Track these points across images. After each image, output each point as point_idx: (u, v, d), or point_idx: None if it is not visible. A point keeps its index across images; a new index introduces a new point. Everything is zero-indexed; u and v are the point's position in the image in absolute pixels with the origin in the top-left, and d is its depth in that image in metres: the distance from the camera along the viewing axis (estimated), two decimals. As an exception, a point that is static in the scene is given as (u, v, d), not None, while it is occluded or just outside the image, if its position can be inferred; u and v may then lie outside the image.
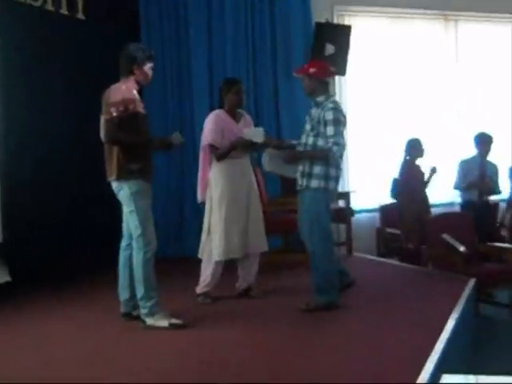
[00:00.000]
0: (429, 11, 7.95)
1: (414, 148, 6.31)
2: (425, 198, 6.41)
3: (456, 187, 6.79)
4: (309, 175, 4.38)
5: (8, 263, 5.16)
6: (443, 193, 7.59)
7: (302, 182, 4.45)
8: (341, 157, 4.41)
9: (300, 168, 4.46)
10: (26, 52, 5.44)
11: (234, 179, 4.74)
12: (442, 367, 3.23)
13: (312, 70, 4.45)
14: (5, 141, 5.20)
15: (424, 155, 6.33)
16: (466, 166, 6.67)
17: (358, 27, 7.49)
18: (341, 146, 4.30)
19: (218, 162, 4.74)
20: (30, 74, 5.45)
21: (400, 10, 7.80)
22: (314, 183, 4.36)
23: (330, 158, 4.31)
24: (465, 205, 6.70)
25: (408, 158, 6.34)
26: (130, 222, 4.14)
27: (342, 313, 4.38)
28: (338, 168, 4.46)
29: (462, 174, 6.66)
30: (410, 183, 6.25)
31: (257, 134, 4.69)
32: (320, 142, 4.36)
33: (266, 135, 4.71)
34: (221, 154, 4.72)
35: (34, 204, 5.41)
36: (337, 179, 4.46)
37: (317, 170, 4.35)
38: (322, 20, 7.17)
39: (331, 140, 4.28)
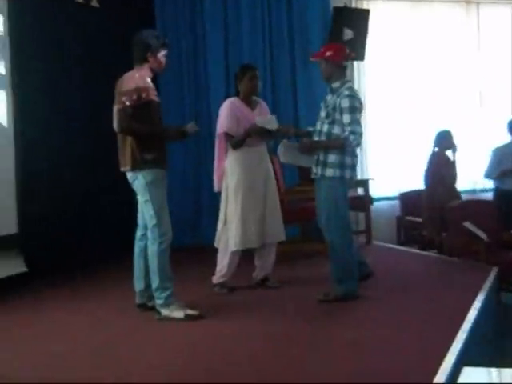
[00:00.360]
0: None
1: (445, 140, 6.16)
2: (455, 190, 6.27)
3: (487, 176, 6.57)
4: (324, 164, 4.29)
5: (24, 254, 5.15)
6: (472, 180, 7.47)
7: (316, 170, 4.36)
8: (358, 145, 4.31)
9: (316, 157, 4.37)
10: (40, 41, 5.40)
11: (251, 167, 4.67)
12: (464, 359, 3.14)
13: (329, 54, 4.34)
14: (20, 132, 5.16)
15: (453, 147, 6.18)
16: (499, 153, 6.45)
17: (376, 11, 7.36)
18: (358, 134, 4.19)
19: (233, 150, 4.67)
20: (43, 63, 5.40)
21: (420, -7, 7.65)
22: (329, 172, 4.27)
23: (345, 147, 4.22)
24: (499, 193, 6.50)
25: (437, 149, 6.20)
26: (145, 211, 4.09)
27: (360, 303, 4.29)
28: (354, 156, 4.36)
29: (496, 162, 6.43)
30: (441, 175, 6.11)
31: (270, 121, 4.61)
32: (335, 130, 4.27)
33: (278, 123, 4.63)
34: (236, 141, 4.65)
35: (49, 195, 5.39)
36: (353, 167, 4.36)
37: (332, 158, 4.26)
38: (340, 4, 7.05)
39: (348, 128, 4.18)
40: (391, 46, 7.57)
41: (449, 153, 6.18)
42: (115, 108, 4.05)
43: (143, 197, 4.08)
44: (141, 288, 4.24)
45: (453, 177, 6.24)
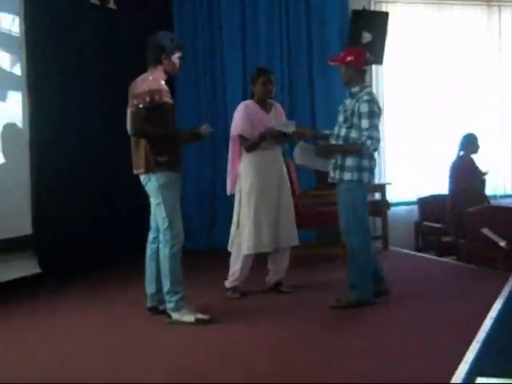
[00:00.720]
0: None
1: (470, 143, 6.07)
2: (482, 195, 6.16)
3: None
4: (341, 167, 4.25)
5: (38, 255, 5.16)
6: (492, 186, 7.36)
7: (334, 174, 4.32)
8: (375, 150, 4.28)
9: (332, 160, 4.33)
10: (56, 42, 5.41)
11: (264, 171, 4.63)
12: (477, 368, 3.06)
13: (349, 59, 4.31)
14: (36, 133, 5.17)
15: (478, 151, 6.07)
16: None
17: (395, 14, 7.27)
18: (375, 139, 4.17)
19: (247, 153, 4.63)
20: (59, 64, 5.41)
21: (440, -4, 7.54)
22: (347, 175, 4.24)
23: (362, 152, 4.19)
24: None
25: (462, 153, 6.10)
26: (158, 214, 4.07)
27: (375, 309, 4.23)
28: (372, 159, 4.32)
29: None
30: (465, 180, 6.01)
31: (287, 125, 4.59)
32: (353, 134, 4.23)
33: (297, 126, 4.60)
34: (250, 144, 4.61)
35: (64, 196, 5.39)
36: (371, 170, 4.31)
37: (349, 161, 4.22)
38: (359, 7, 6.98)
39: (365, 133, 4.15)
40: (410, 49, 7.47)
41: (474, 156, 6.09)
42: (128, 110, 4.04)
43: (156, 199, 4.06)
44: (152, 291, 4.21)
45: (479, 181, 6.14)
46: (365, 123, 4.16)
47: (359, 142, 4.17)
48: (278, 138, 4.63)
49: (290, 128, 4.55)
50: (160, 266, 4.08)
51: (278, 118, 4.73)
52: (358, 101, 4.22)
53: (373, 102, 4.23)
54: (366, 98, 4.21)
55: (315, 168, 4.73)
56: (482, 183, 6.25)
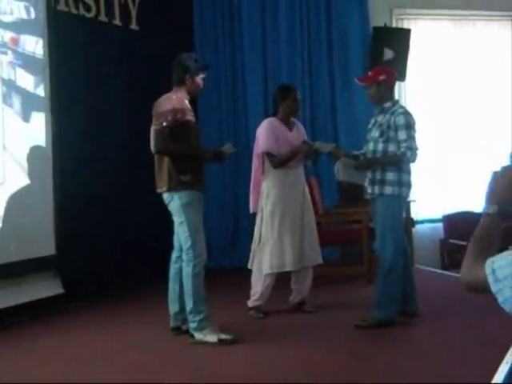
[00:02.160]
0: (494, 13, 7.58)
1: None
2: None
3: None
4: (381, 182, 4.24)
5: (61, 275, 5.17)
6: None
7: (372, 190, 4.29)
8: (414, 161, 4.28)
9: (369, 175, 4.32)
10: (80, 63, 5.46)
11: (287, 190, 4.61)
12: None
13: (382, 78, 4.33)
14: (58, 153, 5.20)
15: None
16: None
17: (417, 31, 7.23)
18: (414, 150, 4.20)
19: (275, 169, 4.61)
20: (82, 85, 5.46)
21: (462, 12, 7.46)
22: (388, 190, 4.22)
23: (403, 164, 4.21)
24: None
25: None
26: (181, 233, 4.06)
27: (400, 329, 4.15)
28: (410, 174, 4.32)
29: None
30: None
31: (326, 145, 4.62)
32: (391, 148, 4.25)
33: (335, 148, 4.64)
34: (280, 161, 4.58)
35: (88, 217, 5.40)
36: (409, 186, 4.31)
37: (390, 176, 4.22)
38: (380, 24, 6.96)
39: (404, 145, 4.18)
40: (433, 65, 7.41)
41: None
42: (152, 129, 4.04)
43: (179, 218, 4.04)
44: (175, 310, 4.18)
45: None
46: (402, 135, 4.18)
47: (399, 154, 4.18)
48: (310, 155, 4.63)
49: (327, 148, 4.56)
50: (183, 285, 4.06)
51: (301, 136, 4.72)
52: (393, 114, 4.25)
53: (408, 114, 4.29)
54: (401, 110, 4.28)
55: (357, 183, 4.68)
56: None
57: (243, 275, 4.98)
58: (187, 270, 4.00)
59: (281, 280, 4.68)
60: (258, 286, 4.61)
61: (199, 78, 4.13)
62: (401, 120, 4.20)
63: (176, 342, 4.07)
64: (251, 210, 4.78)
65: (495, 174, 1.59)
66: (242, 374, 3.46)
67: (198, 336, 3.97)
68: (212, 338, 3.93)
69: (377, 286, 4.30)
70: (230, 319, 4.47)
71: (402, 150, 4.17)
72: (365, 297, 4.81)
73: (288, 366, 3.55)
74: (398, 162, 4.21)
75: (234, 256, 6.65)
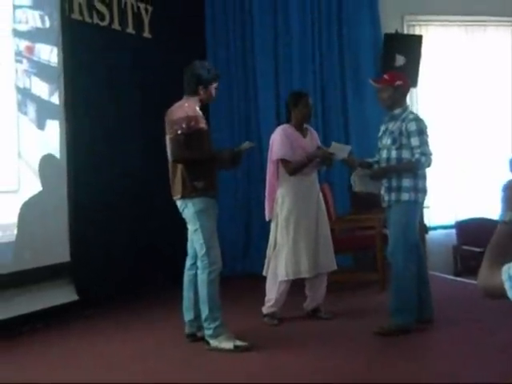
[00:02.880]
0: (505, 18, 7.55)
1: None
2: None
3: None
4: (398, 189, 4.22)
5: (75, 282, 5.18)
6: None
7: (389, 197, 4.27)
8: (429, 166, 4.27)
9: (385, 183, 4.30)
10: (94, 71, 5.49)
11: (302, 197, 4.61)
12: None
13: (399, 83, 4.32)
14: (74, 162, 5.22)
15: None
16: None
17: (429, 37, 7.22)
18: (428, 155, 4.20)
19: (290, 175, 4.60)
20: (97, 92, 5.48)
21: (473, 17, 7.45)
22: (405, 196, 4.21)
23: (418, 170, 4.20)
24: None
25: None
26: (195, 240, 4.06)
27: (415, 336, 4.13)
28: (425, 179, 4.31)
29: None
30: None
31: (342, 150, 4.57)
32: (405, 155, 4.23)
33: (350, 153, 4.60)
34: (295, 167, 4.59)
35: (102, 224, 5.41)
36: (425, 191, 4.30)
37: (406, 182, 4.21)
38: (392, 30, 6.96)
39: (418, 151, 4.17)
40: (444, 71, 7.41)
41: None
42: (167, 137, 4.06)
43: (193, 226, 4.05)
44: (190, 318, 4.18)
45: None
46: (415, 141, 4.17)
47: (414, 160, 4.17)
48: (325, 160, 4.62)
49: (343, 153, 4.54)
50: (198, 292, 4.06)
51: (314, 142, 4.73)
52: (403, 121, 4.23)
53: (420, 120, 4.28)
54: (411, 116, 4.26)
55: (372, 192, 4.66)
56: None
57: (256, 282, 4.99)
58: (202, 277, 4.00)
59: (295, 286, 4.67)
60: (273, 292, 4.60)
61: (212, 88, 4.15)
62: (412, 126, 4.19)
63: (191, 348, 4.07)
64: (267, 218, 4.76)
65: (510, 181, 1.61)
66: (259, 380, 3.45)
67: (213, 343, 3.97)
68: (227, 344, 3.93)
69: (391, 293, 4.29)
70: (245, 326, 4.46)
71: (417, 156, 4.16)
72: (379, 303, 4.79)
73: (303, 373, 3.54)
74: (413, 168, 4.20)
75: (247, 262, 6.65)
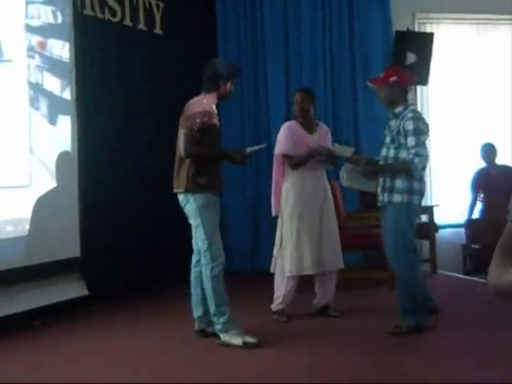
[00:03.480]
0: (517, 16, 7.54)
1: None
2: None
3: None
4: (390, 189, 4.14)
5: (86, 277, 5.21)
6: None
7: (382, 197, 4.20)
8: (423, 168, 4.17)
9: (380, 183, 4.23)
10: (105, 67, 5.51)
11: (306, 192, 4.61)
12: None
13: (393, 79, 4.20)
14: (85, 157, 5.24)
15: None
16: None
17: (440, 35, 7.20)
18: (423, 157, 4.06)
19: (292, 170, 4.62)
20: (108, 88, 5.50)
21: (485, 15, 7.41)
22: (397, 198, 4.11)
23: (412, 171, 4.08)
24: None
25: None
26: (198, 236, 4.08)
27: (424, 335, 4.12)
28: (422, 181, 4.22)
29: None
30: None
31: (345, 150, 4.57)
32: (402, 154, 4.13)
33: (353, 154, 4.59)
34: (296, 162, 4.60)
35: (112, 219, 5.43)
36: (421, 193, 4.20)
37: (399, 183, 4.11)
38: (403, 28, 6.94)
39: (412, 151, 4.05)
40: (455, 69, 7.38)
41: None
42: (181, 132, 4.06)
43: (195, 221, 4.06)
44: (199, 314, 4.20)
45: None
46: (411, 141, 4.06)
47: (407, 161, 4.07)
48: (327, 158, 4.61)
49: (345, 153, 4.52)
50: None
51: (322, 139, 4.71)
52: (402, 119, 4.13)
53: (418, 119, 4.14)
54: (410, 115, 4.11)
55: (362, 189, 4.65)
56: None
57: (266, 279, 4.98)
58: (206, 273, 4.02)
59: (305, 284, 4.68)
60: (281, 289, 4.61)
61: (230, 84, 4.18)
62: (409, 125, 4.06)
63: (200, 344, 4.08)
64: (273, 213, 4.78)
65: None
66: (266, 378, 3.45)
67: (223, 337, 3.98)
68: (237, 340, 3.94)
69: (399, 295, 4.24)
70: (253, 323, 4.45)
71: (410, 156, 4.04)
72: (388, 301, 4.79)
73: (312, 370, 3.54)
74: (406, 169, 4.07)
75: (256, 259, 6.66)
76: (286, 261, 4.58)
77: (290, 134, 4.64)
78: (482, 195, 6.72)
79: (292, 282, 4.60)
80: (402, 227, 4.13)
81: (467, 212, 6.74)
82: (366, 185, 4.37)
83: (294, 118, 4.82)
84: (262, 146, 4.28)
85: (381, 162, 4.30)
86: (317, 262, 4.57)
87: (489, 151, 6.68)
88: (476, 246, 6.56)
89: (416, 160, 4.03)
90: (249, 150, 4.18)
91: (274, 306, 4.65)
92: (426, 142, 4.17)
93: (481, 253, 6.35)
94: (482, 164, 6.78)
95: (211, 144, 4.07)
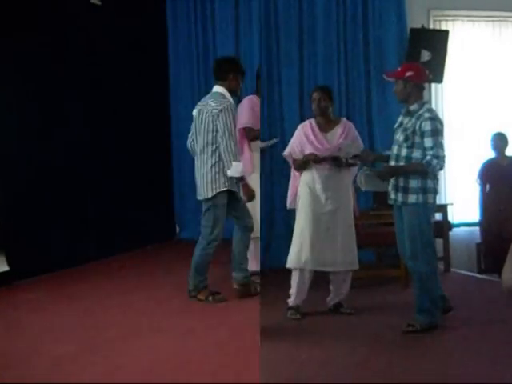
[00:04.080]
0: (533, 14, 7.47)
1: None
2: None
3: None
4: (405, 189, 4.13)
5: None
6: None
7: (396, 196, 4.19)
8: (441, 169, 4.16)
9: (392, 181, 4.22)
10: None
11: (318, 189, 4.61)
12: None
13: (409, 74, 4.20)
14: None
15: None
16: None
17: (455, 32, 7.16)
18: (441, 158, 4.04)
19: (296, 171, 4.72)
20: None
21: (501, 13, 7.35)
22: (412, 198, 4.11)
23: (428, 172, 4.07)
24: None
25: None
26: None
27: (438, 334, 4.11)
28: (436, 179, 4.21)
29: None
30: None
31: (347, 148, 4.56)
32: (415, 154, 4.12)
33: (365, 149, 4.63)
34: (298, 164, 4.71)
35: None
36: (435, 191, 4.19)
37: (413, 183, 4.10)
38: (418, 25, 6.91)
39: (430, 152, 4.03)
40: (470, 66, 7.33)
41: None
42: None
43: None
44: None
45: None
46: (428, 142, 4.04)
47: (424, 162, 4.05)
48: (334, 161, 4.59)
49: (354, 151, 4.51)
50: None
51: (340, 136, 4.67)
52: (418, 119, 4.11)
53: (435, 119, 4.11)
54: (427, 115, 4.10)
55: (380, 190, 4.63)
56: None
57: (280, 275, 4.99)
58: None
59: (321, 282, 4.69)
60: (294, 284, 4.63)
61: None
62: (427, 126, 4.05)
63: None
64: (287, 206, 4.87)
65: None
66: (281, 373, 3.46)
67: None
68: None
69: (417, 294, 4.20)
70: (267, 320, 4.44)
71: (428, 158, 4.02)
72: (401, 300, 4.80)
73: (325, 367, 3.55)
74: (424, 170, 4.06)
75: (270, 256, 6.65)
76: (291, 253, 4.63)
77: (298, 135, 4.72)
78: (488, 187, 6.59)
79: (304, 278, 4.59)
80: (420, 228, 4.12)
81: (479, 210, 6.65)
82: (382, 186, 4.37)
83: (313, 116, 4.79)
84: (275, 140, 4.37)
85: (392, 161, 4.28)
86: (317, 257, 4.55)
87: (499, 141, 6.55)
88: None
89: (434, 161, 4.02)
90: (262, 144, 4.27)
91: (290, 302, 4.65)
92: (443, 142, 4.14)
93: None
94: (491, 155, 6.69)
95: None
